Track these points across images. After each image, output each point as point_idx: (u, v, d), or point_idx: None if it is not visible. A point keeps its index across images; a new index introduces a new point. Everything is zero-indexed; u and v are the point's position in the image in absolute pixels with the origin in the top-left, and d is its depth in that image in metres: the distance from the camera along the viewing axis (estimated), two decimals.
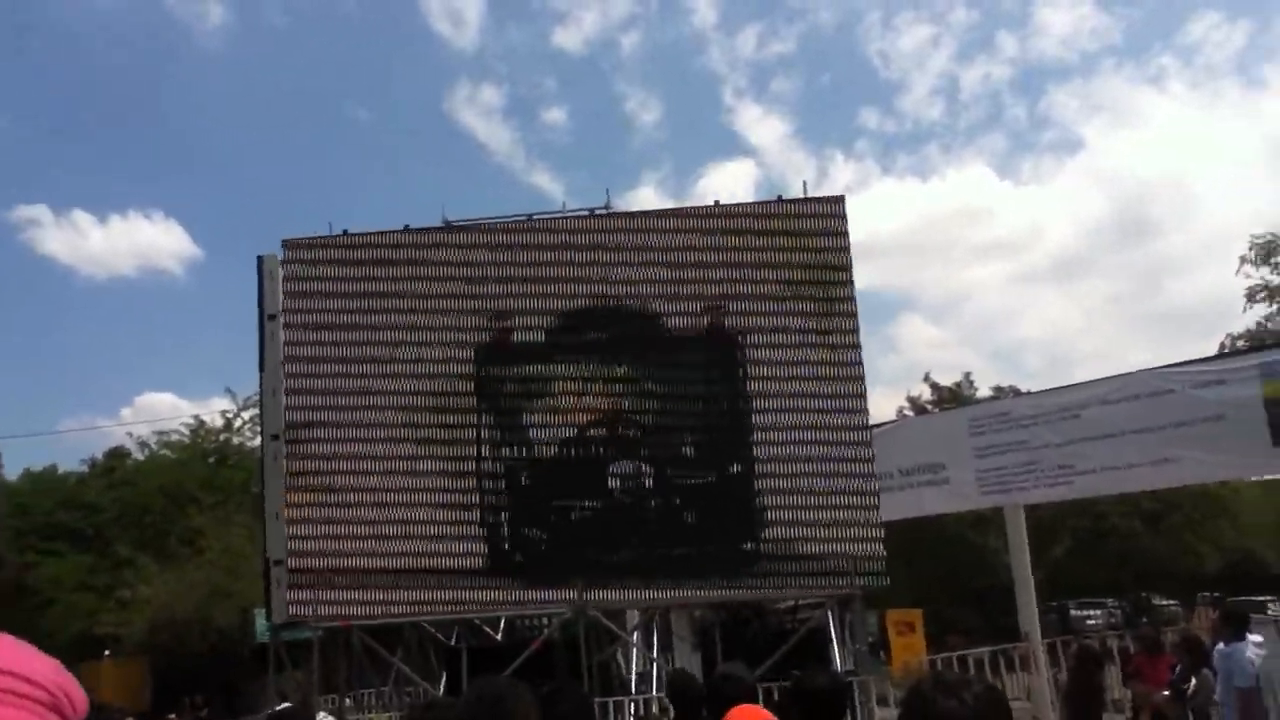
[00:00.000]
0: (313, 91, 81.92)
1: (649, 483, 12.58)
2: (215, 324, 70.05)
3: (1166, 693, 10.54)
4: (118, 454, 38.41)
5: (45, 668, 1.19)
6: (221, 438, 36.79)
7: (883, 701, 12.28)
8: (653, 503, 12.58)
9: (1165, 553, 35.58)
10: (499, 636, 15.26)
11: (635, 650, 14.61)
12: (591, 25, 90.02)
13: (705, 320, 12.81)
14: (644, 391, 12.82)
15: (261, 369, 13.53)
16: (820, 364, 12.67)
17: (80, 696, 1.22)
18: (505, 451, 12.84)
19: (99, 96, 71.94)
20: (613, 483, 12.62)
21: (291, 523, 12.84)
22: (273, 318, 13.45)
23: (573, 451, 12.76)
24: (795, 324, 12.78)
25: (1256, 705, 8.85)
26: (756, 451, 12.53)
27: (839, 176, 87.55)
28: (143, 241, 74.13)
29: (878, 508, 12.43)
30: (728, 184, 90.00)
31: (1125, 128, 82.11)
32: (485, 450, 12.82)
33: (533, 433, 12.86)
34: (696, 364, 12.86)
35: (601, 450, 12.79)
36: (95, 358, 67.36)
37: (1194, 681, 10.19)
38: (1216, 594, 31.32)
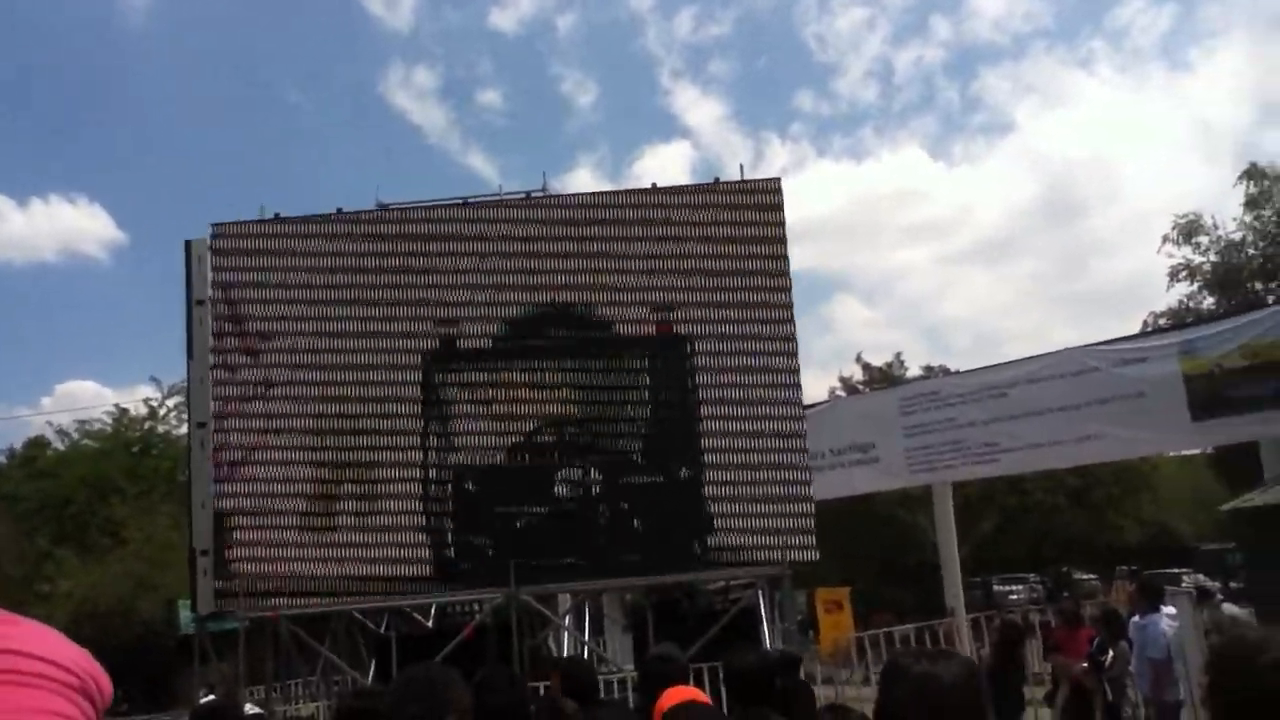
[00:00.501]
0: (244, 72, 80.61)
1: (596, 488, 12.57)
2: (140, 310, 68.77)
3: (1085, 665, 10.79)
4: (38, 444, 37.55)
5: (75, 654, 1.23)
6: (146, 426, 36.13)
7: (810, 679, 12.38)
8: (601, 508, 12.56)
9: (1087, 527, 36.42)
10: (430, 623, 15.14)
11: (566, 634, 14.60)
12: (528, 6, 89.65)
13: (644, 308, 12.78)
14: (585, 386, 12.76)
15: (189, 356, 13.27)
16: (755, 344, 12.72)
17: (106, 683, 1.26)
18: (450, 458, 12.74)
19: (19, 75, 69.88)
20: (560, 489, 12.59)
21: (220, 513, 12.62)
22: (200, 303, 13.19)
23: (519, 457, 12.69)
24: (731, 305, 12.82)
25: (1167, 675, 9.08)
26: (696, 433, 12.55)
27: (775, 159, 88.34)
28: (65, 226, 72.28)
29: (809, 486, 12.51)
30: (665, 166, 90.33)
31: (1055, 110, 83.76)
32: (430, 455, 12.71)
33: (475, 439, 12.75)
34: (636, 353, 12.83)
35: (547, 455, 12.74)
36: (14, 345, 65.61)
37: (1111, 654, 10.44)
38: (1134, 567, 32.15)
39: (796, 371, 12.76)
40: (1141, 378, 15.13)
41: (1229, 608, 10.76)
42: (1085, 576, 35.31)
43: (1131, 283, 72.25)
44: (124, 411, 36.43)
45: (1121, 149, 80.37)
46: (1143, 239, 72.49)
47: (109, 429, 35.95)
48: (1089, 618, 13.11)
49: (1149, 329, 29.38)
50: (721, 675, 4.92)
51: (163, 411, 35.72)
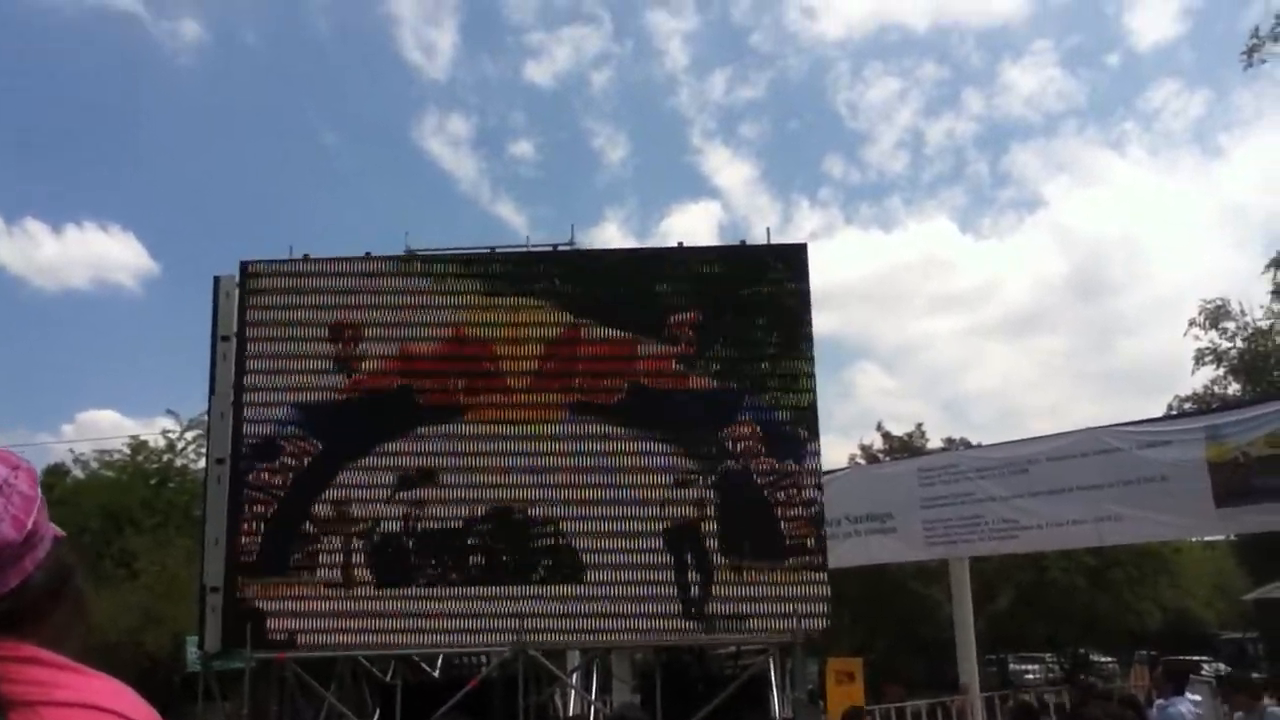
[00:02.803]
0: (281, 112, 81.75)
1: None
2: (164, 342, 69.23)
3: None
4: (57, 471, 37.64)
5: (150, 713, 1.25)
6: (164, 458, 36.19)
7: None
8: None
9: (1106, 609, 35.80)
10: (436, 673, 15.02)
11: (573, 692, 14.44)
12: (564, 61, 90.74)
13: (670, 362, 12.80)
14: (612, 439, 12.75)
15: (211, 391, 13.34)
16: (775, 409, 12.70)
17: None
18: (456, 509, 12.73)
19: (63, 105, 71.13)
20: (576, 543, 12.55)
21: (233, 549, 12.62)
22: (226, 339, 13.30)
23: (530, 512, 12.67)
24: (752, 369, 12.83)
25: None
26: (709, 494, 12.49)
27: (804, 223, 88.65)
28: (98, 254, 73.12)
29: (825, 555, 12.41)
30: (692, 225, 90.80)
31: (1085, 188, 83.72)
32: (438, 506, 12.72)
33: (491, 492, 12.75)
34: (659, 410, 12.80)
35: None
36: (40, 371, 66.06)
37: None
38: (1153, 652, 31.61)
39: (816, 437, 12.71)
40: (1165, 461, 15.02)
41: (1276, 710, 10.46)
42: (1103, 659, 34.74)
43: (1157, 364, 71.82)
44: (143, 443, 36.55)
45: (1151, 230, 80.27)
46: (1169, 321, 72.22)
47: (127, 459, 36.05)
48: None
49: (1174, 412, 29.17)
50: None
51: (180, 445, 35.80)
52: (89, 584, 1.46)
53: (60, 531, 1.38)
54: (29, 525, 1.26)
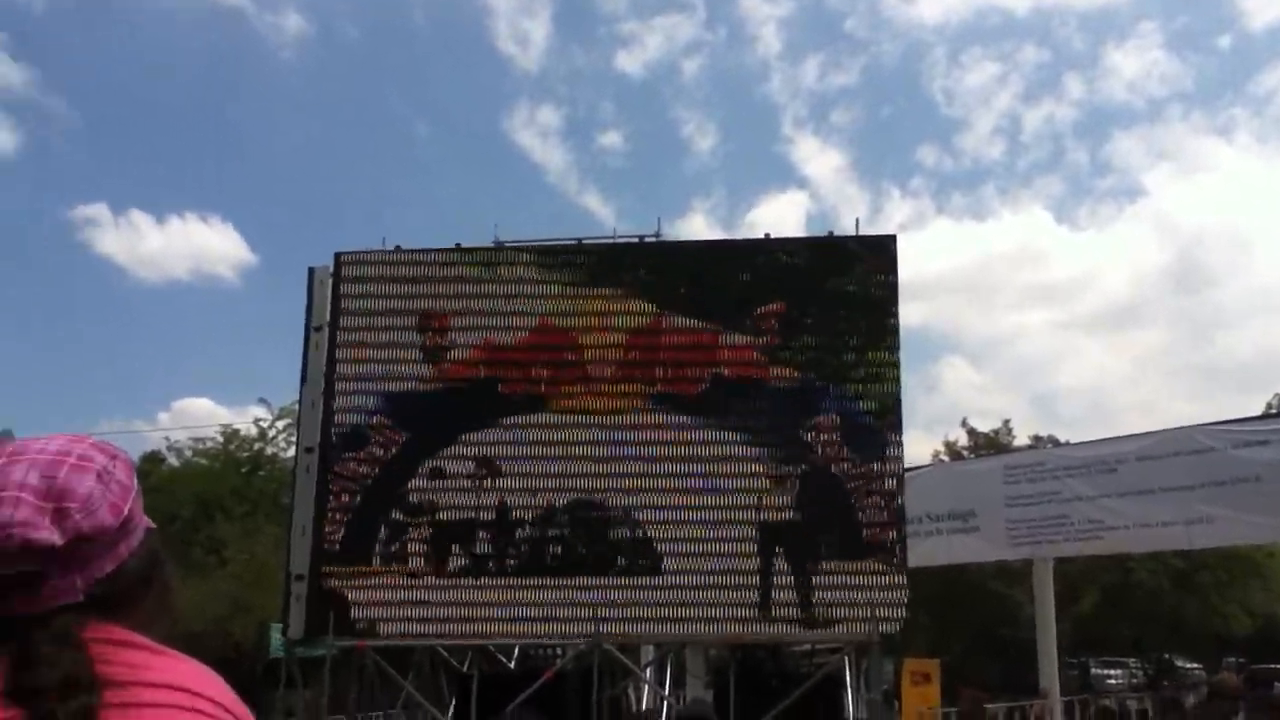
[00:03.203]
0: (377, 104, 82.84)
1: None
2: (260, 332, 70.60)
3: None
4: (153, 459, 38.66)
5: (234, 698, 1.31)
6: (256, 447, 36.96)
7: None
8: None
9: (1192, 613, 34.84)
10: (512, 664, 15.17)
11: (647, 686, 14.47)
12: (655, 50, 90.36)
13: (753, 353, 12.76)
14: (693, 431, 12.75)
15: (303, 380, 13.62)
16: (859, 402, 12.60)
17: None
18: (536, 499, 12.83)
19: (169, 98, 73.12)
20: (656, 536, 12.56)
21: (319, 537, 12.86)
22: (319, 329, 13.56)
23: (608, 504, 12.72)
24: (837, 362, 12.73)
25: None
26: (789, 488, 12.43)
27: (894, 213, 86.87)
28: (199, 245, 75.01)
29: (905, 554, 12.27)
30: (780, 216, 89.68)
31: (1188, 176, 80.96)
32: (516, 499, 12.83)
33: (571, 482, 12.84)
34: (741, 402, 12.77)
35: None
36: (140, 361, 68.00)
37: None
38: (1242, 659, 30.68)
39: (899, 433, 12.58)
40: (1260, 461, 14.60)
41: None
42: (1189, 665, 33.82)
43: (1257, 360, 69.33)
44: (235, 431, 37.38)
45: (1256, 220, 77.23)
46: (1273, 316, 69.63)
47: (220, 447, 36.90)
48: (1190, 708, 12.56)
49: (1273, 411, 28.28)
50: None
51: (271, 433, 36.53)
52: (175, 574, 1.54)
53: (149, 522, 1.43)
54: (125, 512, 1.32)
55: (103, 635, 1.26)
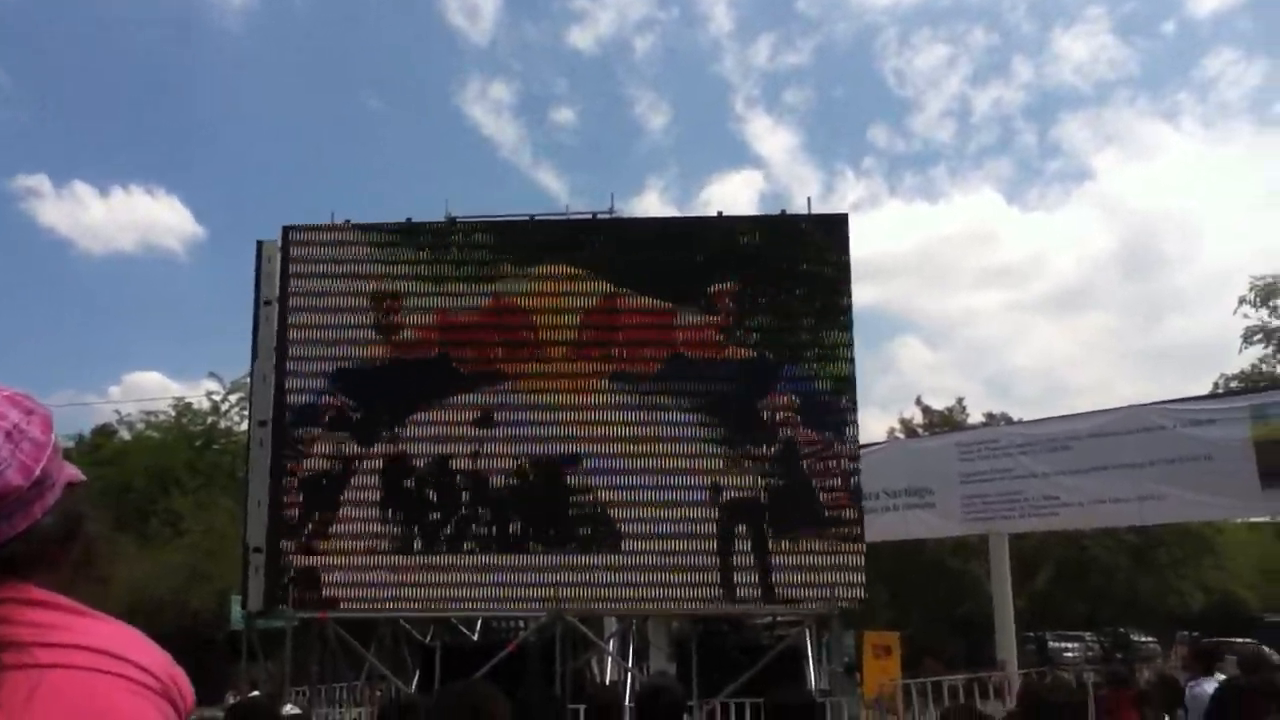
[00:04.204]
0: (326, 77, 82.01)
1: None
2: (209, 305, 69.84)
3: None
4: (104, 432, 38.26)
5: (162, 659, 1.26)
6: (209, 420, 36.68)
7: None
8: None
9: (1148, 589, 35.53)
10: (475, 636, 15.19)
11: (610, 659, 14.55)
12: (607, 26, 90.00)
13: (708, 331, 12.78)
14: (649, 408, 12.75)
15: (254, 354, 13.50)
16: (813, 380, 12.66)
17: (189, 690, 1.29)
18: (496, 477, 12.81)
19: (111, 68, 71.88)
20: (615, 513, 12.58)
21: (276, 510, 12.78)
22: (268, 303, 13.42)
23: (568, 480, 12.72)
24: (790, 339, 12.78)
25: None
26: (746, 465, 12.49)
27: (848, 192, 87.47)
28: (144, 217, 73.87)
29: (862, 528, 12.39)
30: (734, 194, 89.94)
31: (1136, 160, 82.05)
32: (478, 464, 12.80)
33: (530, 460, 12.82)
34: (697, 380, 12.79)
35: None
36: (88, 334, 66.98)
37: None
38: (1195, 633, 31.30)
39: (854, 410, 12.66)
40: (1210, 440, 14.84)
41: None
42: (1144, 639, 34.51)
43: (1205, 342, 70.52)
44: (188, 405, 37.08)
45: (1203, 204, 78.40)
46: (1219, 298, 70.61)
47: (172, 421, 36.59)
48: (1145, 682, 12.76)
49: (1220, 391, 28.75)
50: (764, 710, 4.84)
51: (224, 407, 36.26)
52: (102, 529, 1.48)
53: (79, 476, 1.38)
54: (37, 472, 1.25)
55: (13, 595, 1.21)
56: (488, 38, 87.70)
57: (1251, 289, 30.86)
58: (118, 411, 39.90)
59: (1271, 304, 30.72)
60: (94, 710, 1.15)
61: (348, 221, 13.66)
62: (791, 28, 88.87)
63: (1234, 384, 29.98)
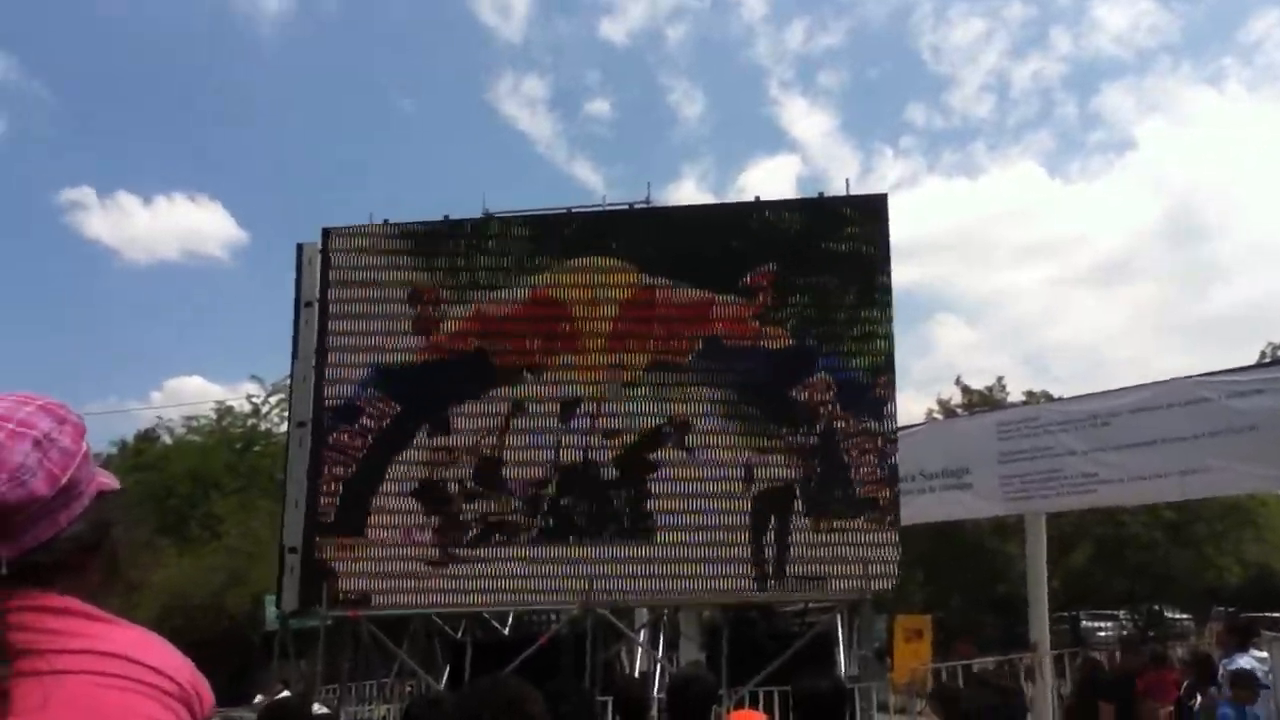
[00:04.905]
0: (361, 78, 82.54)
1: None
2: (253, 309, 70.67)
3: (1172, 709, 10.35)
4: (147, 437, 38.73)
5: (180, 664, 1.28)
6: (249, 423, 37.00)
7: (883, 708, 12.11)
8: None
9: (1185, 564, 35.06)
10: (506, 631, 15.21)
11: (641, 649, 14.51)
12: (638, 17, 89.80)
13: (745, 317, 12.70)
14: (686, 397, 12.69)
15: (294, 356, 13.60)
16: (851, 361, 12.55)
17: (209, 696, 1.31)
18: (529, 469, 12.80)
19: (148, 78, 72.67)
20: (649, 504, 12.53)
21: (312, 510, 12.85)
22: (309, 305, 13.55)
23: (601, 472, 12.68)
24: (830, 321, 12.68)
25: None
26: (782, 451, 12.39)
27: (886, 172, 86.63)
28: (188, 224, 74.70)
29: (897, 513, 12.27)
30: (771, 179, 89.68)
31: (1179, 128, 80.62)
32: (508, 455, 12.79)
33: (565, 452, 12.80)
34: (734, 366, 12.70)
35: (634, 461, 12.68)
36: (132, 340, 68.04)
37: (1199, 699, 10.00)
38: (1231, 609, 30.83)
39: (892, 392, 12.54)
40: (1255, 410, 14.52)
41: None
42: (1178, 616, 34.09)
43: (1252, 311, 69.27)
44: (229, 408, 37.42)
45: (1249, 170, 76.94)
46: (1266, 266, 69.36)
47: (213, 424, 36.95)
48: (1178, 660, 12.58)
49: (1266, 360, 28.28)
50: (792, 698, 4.80)
51: (265, 409, 36.55)
52: (132, 536, 1.51)
53: (112, 484, 1.42)
54: (64, 480, 1.28)
55: (33, 603, 1.23)
56: (520, 34, 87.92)
57: None
58: (159, 416, 40.37)
59: None
60: (108, 716, 1.17)
61: (386, 221, 13.73)
62: (824, 9, 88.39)
63: None
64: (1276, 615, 27.56)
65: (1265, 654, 9.60)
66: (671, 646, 15.20)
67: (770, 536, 12.22)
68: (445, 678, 13.58)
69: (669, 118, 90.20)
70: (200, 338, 70.37)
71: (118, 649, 1.22)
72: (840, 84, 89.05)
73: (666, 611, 14.66)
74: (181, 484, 33.69)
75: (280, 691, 13.31)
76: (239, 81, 75.92)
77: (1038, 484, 17.22)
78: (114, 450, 38.74)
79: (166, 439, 37.98)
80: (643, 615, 14.76)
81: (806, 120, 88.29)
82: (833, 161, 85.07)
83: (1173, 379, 16.04)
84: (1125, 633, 29.44)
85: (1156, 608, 35.09)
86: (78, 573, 1.30)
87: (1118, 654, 14.12)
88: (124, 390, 78.51)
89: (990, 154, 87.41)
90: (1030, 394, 35.05)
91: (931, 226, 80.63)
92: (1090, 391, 17.50)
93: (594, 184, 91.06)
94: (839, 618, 12.99)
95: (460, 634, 14.61)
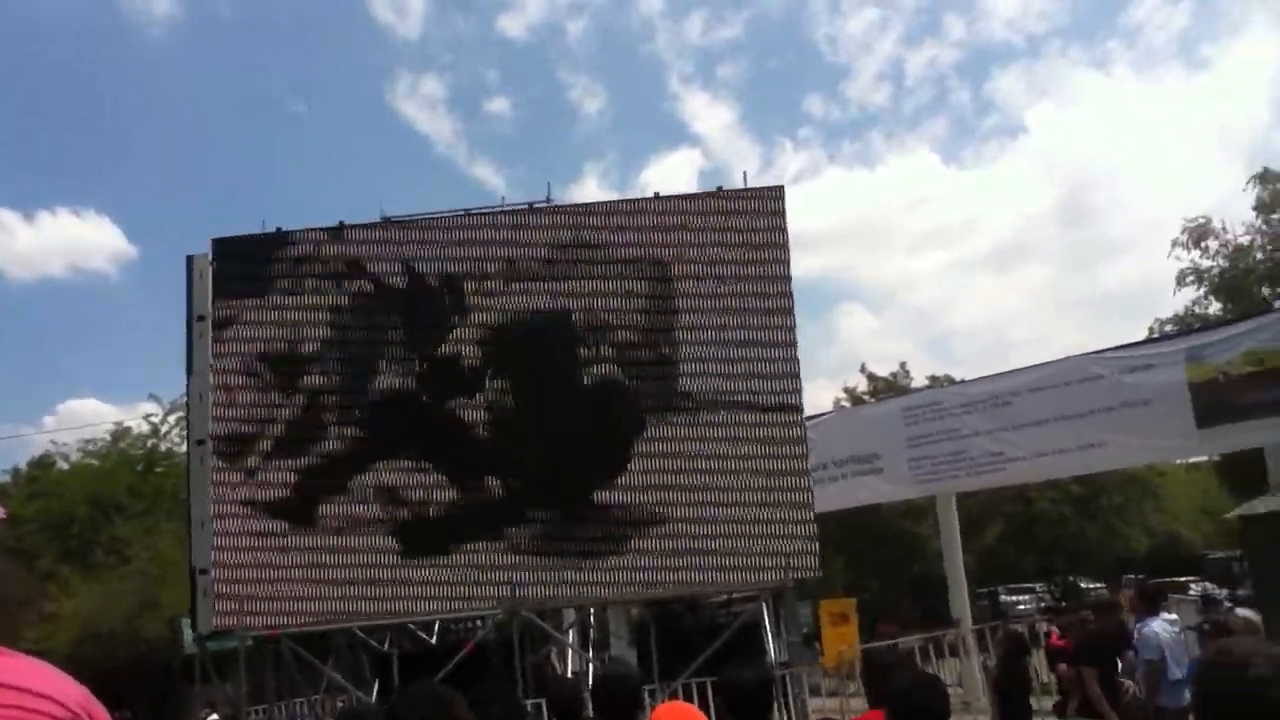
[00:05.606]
0: (253, 82, 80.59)
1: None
2: (146, 325, 68.58)
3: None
4: (42, 463, 37.43)
5: (75, 692, 1.27)
6: (149, 444, 36.00)
7: (815, 692, 12.30)
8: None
9: (1094, 537, 36.23)
10: (433, 640, 15.06)
11: (571, 650, 14.49)
12: (536, 12, 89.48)
13: (643, 315, 12.73)
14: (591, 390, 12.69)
15: (189, 372, 13.24)
16: (756, 353, 12.65)
17: (103, 716, 1.30)
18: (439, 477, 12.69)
19: (27, 88, 69.98)
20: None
21: (218, 533, 12.57)
22: (202, 319, 13.20)
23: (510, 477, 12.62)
24: (732, 314, 12.76)
25: (1160, 678, 9.02)
26: (691, 441, 12.46)
27: (787, 164, 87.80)
28: (73, 240, 72.01)
29: (811, 499, 12.43)
30: (674, 174, 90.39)
31: (1069, 111, 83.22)
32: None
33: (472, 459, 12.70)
34: (641, 358, 12.74)
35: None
36: (20, 364, 65.38)
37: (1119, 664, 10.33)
38: (1140, 576, 31.94)
39: (798, 381, 12.69)
40: (1147, 385, 15.02)
41: (1243, 612, 10.67)
42: (1092, 585, 35.14)
43: (1142, 288, 71.86)
44: (126, 429, 36.34)
45: (1136, 151, 79.72)
46: (1155, 244, 71.84)
47: (109, 447, 35.86)
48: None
49: (1155, 335, 29.23)
50: (718, 690, 4.83)
51: (164, 429, 35.59)
52: (12, 568, 1.45)
53: None
54: None
55: None
56: (417, 31, 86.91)
57: (1184, 231, 31.30)
58: (53, 441, 39.09)
59: (1203, 245, 31.18)
60: None
61: (278, 229, 13.42)
62: (724, 1, 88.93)
63: (1169, 327, 30.44)
64: (1184, 579, 28.65)
65: (1175, 616, 9.97)
66: (602, 646, 15.20)
67: (688, 529, 12.26)
68: (375, 690, 13.41)
69: (570, 115, 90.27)
70: (93, 358, 67.98)
71: (7, 679, 1.22)
72: (740, 76, 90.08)
73: (594, 611, 14.65)
74: (81, 509, 32.62)
75: (208, 715, 12.99)
76: (126, 88, 73.66)
77: (946, 465, 17.61)
78: (6, 478, 37.43)
79: (63, 464, 36.74)
80: (569, 616, 14.74)
81: (707, 114, 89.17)
82: (734, 155, 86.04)
83: (1068, 357, 16.52)
84: (1043, 604, 30.16)
85: (1072, 579, 36.14)
86: None
87: (1037, 624, 14.52)
88: (15, 415, 75.59)
89: (887, 143, 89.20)
90: (934, 378, 35.80)
91: (833, 217, 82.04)
92: (991, 373, 17.96)
93: (496, 185, 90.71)
94: (764, 606, 13.12)
95: (386, 646, 14.43)
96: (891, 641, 12.95)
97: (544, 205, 13.74)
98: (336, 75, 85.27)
